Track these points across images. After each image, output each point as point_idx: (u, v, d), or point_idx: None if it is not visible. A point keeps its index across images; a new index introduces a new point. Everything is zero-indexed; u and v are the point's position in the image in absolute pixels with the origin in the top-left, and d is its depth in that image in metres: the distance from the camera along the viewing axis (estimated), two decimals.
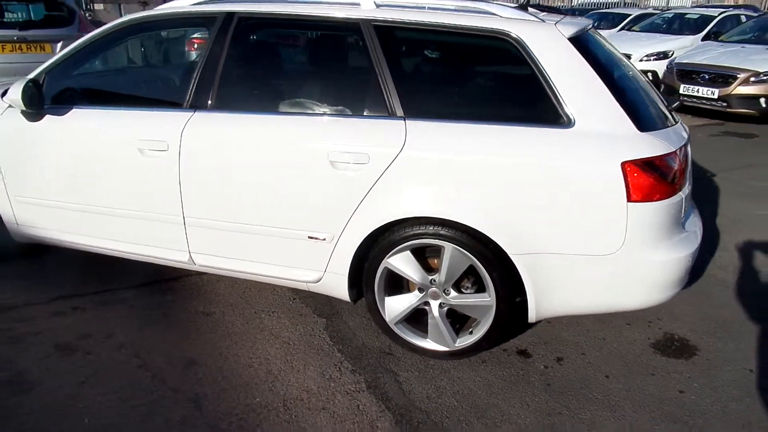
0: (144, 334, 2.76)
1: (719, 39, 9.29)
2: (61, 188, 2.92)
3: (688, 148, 2.46)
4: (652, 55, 9.69)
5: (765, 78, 7.55)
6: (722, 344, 2.74)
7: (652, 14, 12.66)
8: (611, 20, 13.03)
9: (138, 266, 3.23)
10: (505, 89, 2.53)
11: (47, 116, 2.85)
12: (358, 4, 2.54)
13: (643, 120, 2.25)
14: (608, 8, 14.43)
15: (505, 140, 2.24)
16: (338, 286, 2.60)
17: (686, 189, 2.39)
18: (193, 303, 3.04)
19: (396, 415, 2.26)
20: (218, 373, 2.48)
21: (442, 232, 2.33)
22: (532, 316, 2.40)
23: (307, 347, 2.68)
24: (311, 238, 2.52)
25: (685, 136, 2.47)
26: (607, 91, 2.22)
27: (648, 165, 2.14)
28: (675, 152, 2.23)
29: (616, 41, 7.86)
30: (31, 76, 2.87)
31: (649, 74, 9.33)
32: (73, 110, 2.83)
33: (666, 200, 2.20)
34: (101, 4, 12.95)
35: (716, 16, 10.76)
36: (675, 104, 3.16)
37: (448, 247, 2.34)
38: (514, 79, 2.44)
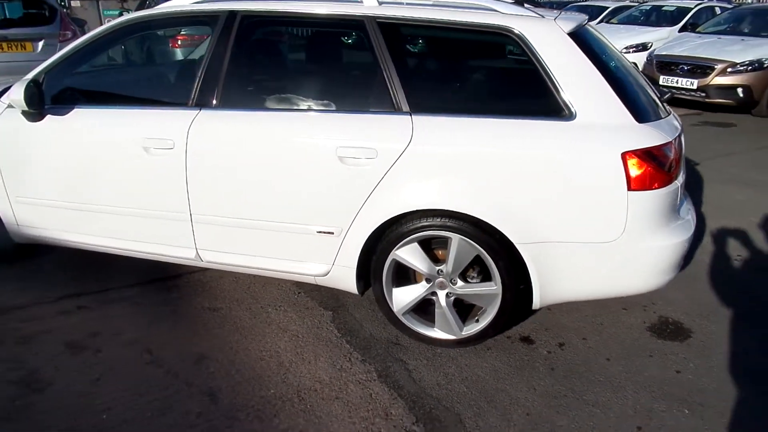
0: (152, 330, 2.79)
1: (696, 30, 9.50)
2: (64, 188, 2.92)
3: (682, 138, 2.56)
4: (631, 47, 9.86)
5: (741, 68, 7.75)
6: (715, 327, 2.85)
7: (629, 6, 12.86)
8: (589, 13, 13.02)
9: (138, 264, 3.26)
10: (508, 84, 2.61)
11: (48, 116, 2.85)
12: (360, 1, 2.58)
13: (641, 111, 2.34)
14: (586, 1, 14.60)
15: (509, 133, 2.31)
16: (346, 279, 2.65)
17: (681, 177, 2.48)
18: (199, 299, 3.08)
19: (408, 402, 2.33)
20: (230, 367, 2.52)
21: (449, 223, 2.39)
22: (536, 303, 2.48)
23: (316, 339, 2.73)
24: (320, 232, 2.56)
25: (679, 126, 2.56)
26: (606, 84, 2.30)
27: (647, 155, 2.23)
28: (671, 142, 2.32)
29: None
30: (31, 75, 2.86)
31: None
32: (75, 110, 2.83)
33: (664, 188, 2.29)
34: (78, 1, 12.77)
35: (692, 8, 10.99)
36: (667, 95, 3.27)
37: (455, 238, 2.40)
38: (516, 74, 2.52)
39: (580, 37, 2.42)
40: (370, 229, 2.49)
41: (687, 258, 3.50)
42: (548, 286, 2.42)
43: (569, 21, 2.43)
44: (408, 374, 2.50)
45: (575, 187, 2.26)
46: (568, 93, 2.29)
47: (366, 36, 2.50)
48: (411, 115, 2.40)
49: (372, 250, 2.58)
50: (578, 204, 2.27)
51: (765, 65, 7.69)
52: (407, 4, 2.58)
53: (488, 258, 2.40)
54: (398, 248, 2.50)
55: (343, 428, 2.19)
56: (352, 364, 2.56)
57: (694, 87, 7.99)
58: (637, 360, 2.60)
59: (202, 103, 2.64)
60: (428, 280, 2.57)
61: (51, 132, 2.85)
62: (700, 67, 8.01)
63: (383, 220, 2.46)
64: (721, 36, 8.75)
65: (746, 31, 8.83)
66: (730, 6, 11.15)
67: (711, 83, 7.85)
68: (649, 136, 2.26)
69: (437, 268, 2.52)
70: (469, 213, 2.34)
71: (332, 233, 2.56)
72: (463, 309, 2.67)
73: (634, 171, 2.21)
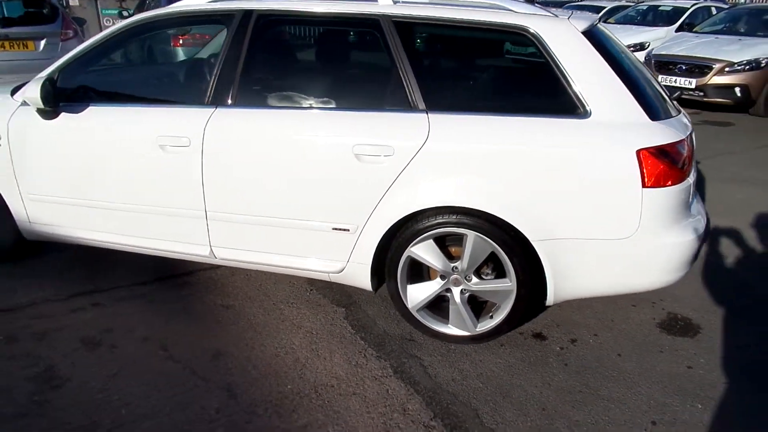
0: (167, 327, 2.80)
1: (693, 30, 9.57)
2: (77, 185, 2.93)
3: (693, 136, 2.59)
4: (629, 46, 9.90)
5: (739, 68, 7.81)
6: (722, 323, 2.89)
7: (625, 6, 12.94)
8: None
9: (149, 262, 3.27)
10: (523, 82, 2.63)
11: (63, 114, 2.85)
12: (376, 1, 2.60)
13: (654, 109, 2.37)
14: (583, 0, 14.67)
15: (525, 131, 2.33)
16: (360, 276, 2.67)
17: (693, 175, 2.52)
18: (211, 296, 3.09)
19: (425, 397, 2.35)
20: (247, 363, 2.54)
21: (465, 220, 2.42)
22: (550, 299, 2.51)
23: (330, 336, 2.75)
24: (335, 229, 2.58)
25: (689, 124, 2.59)
26: (620, 82, 2.33)
27: (661, 152, 2.26)
28: (684, 139, 2.36)
29: None
30: (46, 73, 2.87)
31: None
32: (90, 107, 2.84)
33: (677, 185, 2.32)
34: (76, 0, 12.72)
35: (689, 8, 11.07)
36: (676, 94, 3.30)
37: (471, 235, 2.43)
38: (532, 72, 2.54)
39: (593, 36, 2.45)
40: (385, 226, 2.51)
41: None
42: (562, 283, 2.45)
43: (583, 20, 2.46)
44: (423, 370, 2.52)
45: (590, 185, 2.29)
46: (583, 91, 2.32)
47: (381, 35, 2.52)
48: (427, 113, 2.42)
49: (387, 247, 2.60)
50: (593, 201, 2.30)
51: (762, 65, 7.76)
52: (422, 3, 2.60)
53: (503, 254, 2.43)
54: (414, 245, 2.52)
55: (361, 423, 2.21)
56: (368, 360, 2.58)
57: (693, 86, 8.04)
58: (649, 356, 2.64)
59: (217, 101, 2.66)
60: (443, 277, 2.59)
61: (65, 130, 2.86)
62: (698, 67, 8.07)
63: (399, 217, 2.48)
64: (719, 36, 8.82)
65: (743, 30, 8.90)
66: (725, 6, 11.24)
67: (709, 83, 7.91)
68: (663, 134, 2.29)
69: (452, 264, 2.55)
70: (484, 210, 2.37)
71: (348, 230, 2.58)
72: (476, 306, 2.69)
73: (649, 168, 2.24)
